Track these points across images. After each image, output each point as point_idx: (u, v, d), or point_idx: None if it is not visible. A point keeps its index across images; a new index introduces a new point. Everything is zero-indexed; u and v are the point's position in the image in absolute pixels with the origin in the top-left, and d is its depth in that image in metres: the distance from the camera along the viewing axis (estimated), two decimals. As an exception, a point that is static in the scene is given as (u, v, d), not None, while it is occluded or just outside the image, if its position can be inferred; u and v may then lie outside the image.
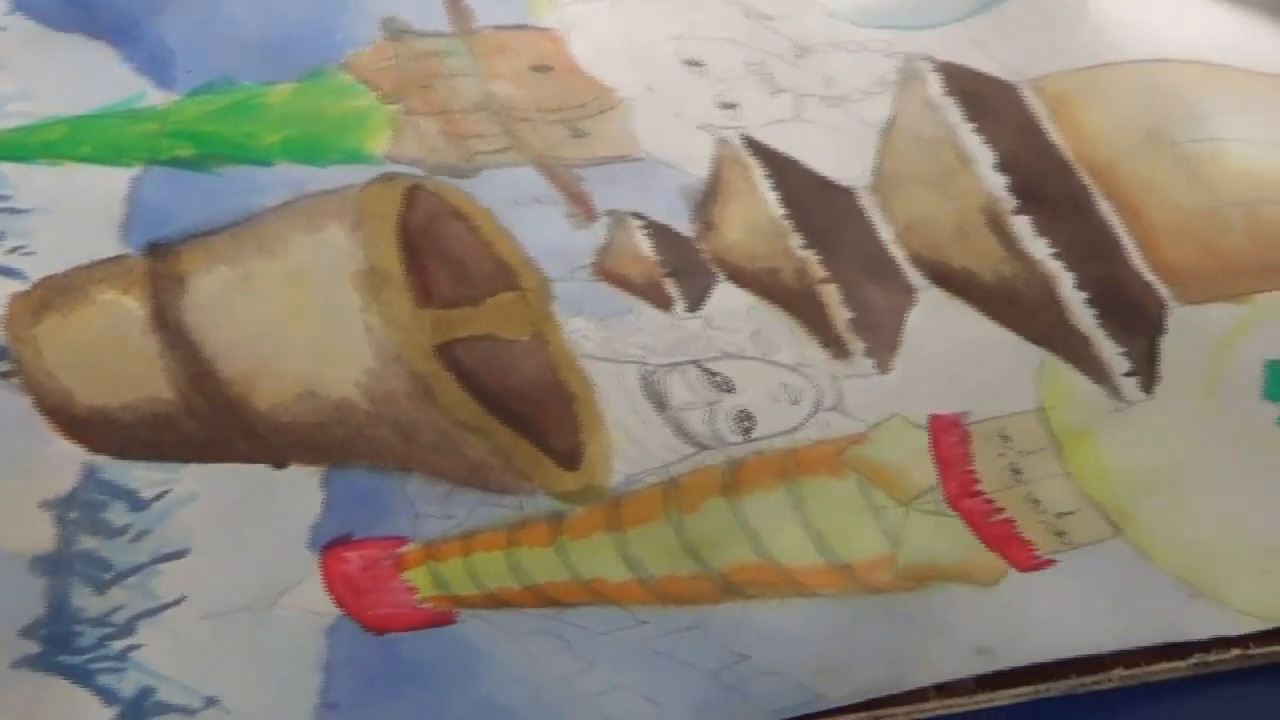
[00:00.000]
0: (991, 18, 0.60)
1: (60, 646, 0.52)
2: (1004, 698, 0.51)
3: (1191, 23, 0.56)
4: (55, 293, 0.55)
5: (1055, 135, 0.56)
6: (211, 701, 0.52)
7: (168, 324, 0.55)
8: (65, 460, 0.53)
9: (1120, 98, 0.55)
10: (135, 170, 0.56)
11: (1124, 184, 0.54)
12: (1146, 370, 0.54)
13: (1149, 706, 0.51)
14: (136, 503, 0.54)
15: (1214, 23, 0.56)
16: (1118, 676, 0.51)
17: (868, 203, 0.57)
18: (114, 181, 0.56)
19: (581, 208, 0.56)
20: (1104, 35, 0.57)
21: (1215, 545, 0.52)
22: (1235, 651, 0.51)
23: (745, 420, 0.55)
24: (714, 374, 0.55)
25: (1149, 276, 0.53)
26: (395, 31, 0.58)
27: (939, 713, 0.51)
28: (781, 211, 0.57)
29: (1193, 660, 0.51)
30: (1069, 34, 0.57)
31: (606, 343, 0.55)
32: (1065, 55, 0.57)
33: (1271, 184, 0.52)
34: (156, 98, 0.58)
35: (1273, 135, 0.52)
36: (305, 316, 0.54)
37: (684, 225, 0.56)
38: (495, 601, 0.53)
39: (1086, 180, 0.55)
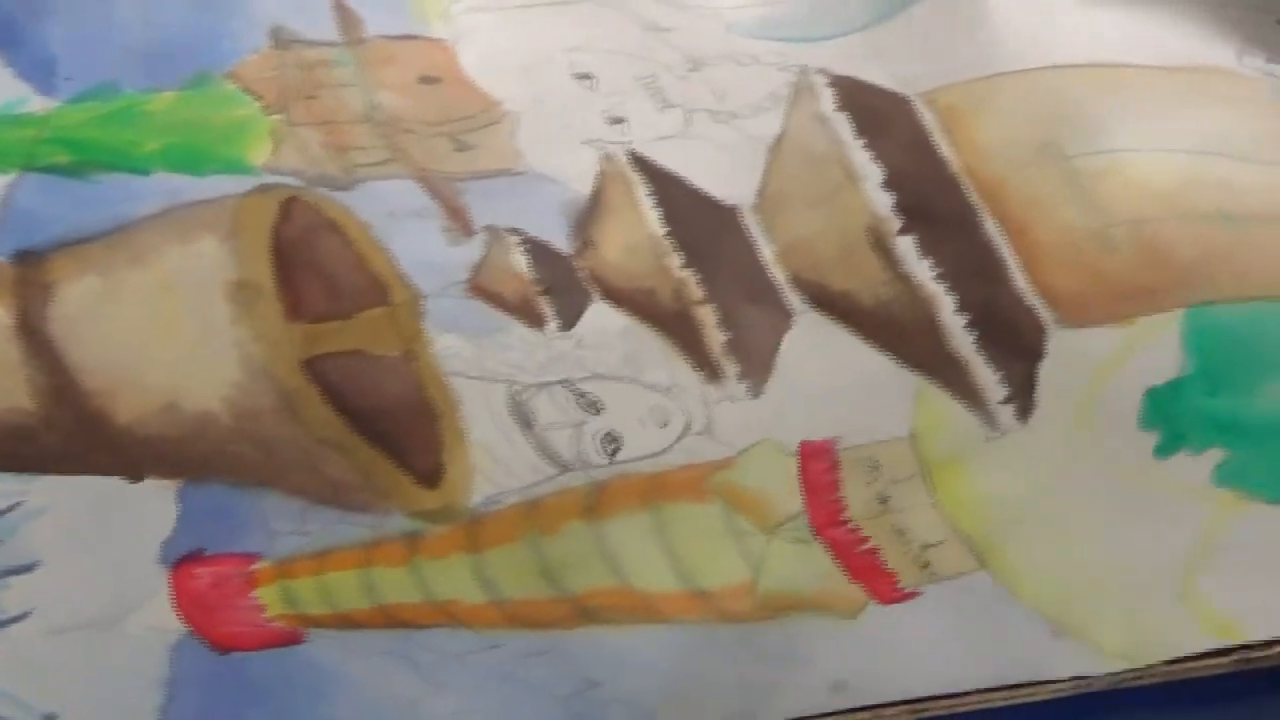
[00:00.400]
0: (891, 28, 0.58)
1: None
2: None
3: (1096, 21, 0.56)
4: None
5: (946, 150, 0.54)
6: (49, 718, 0.52)
7: (32, 333, 0.54)
8: None
9: (1014, 109, 0.53)
10: (9, 177, 0.55)
11: (1012, 201, 0.52)
12: (1023, 397, 0.52)
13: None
14: None
15: (1120, 18, 0.56)
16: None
17: (750, 222, 0.56)
18: None
19: (459, 222, 0.56)
20: (1003, 43, 0.55)
21: (1082, 581, 0.51)
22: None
23: (612, 442, 0.54)
24: (583, 394, 0.54)
25: (1031, 299, 0.52)
26: (283, 40, 0.58)
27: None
28: (662, 230, 0.55)
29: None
30: (969, 43, 0.56)
31: (476, 360, 0.54)
32: (964, 65, 0.55)
33: (1162, 199, 0.51)
34: (37, 104, 0.57)
35: (1169, 141, 0.51)
36: (173, 328, 0.54)
37: (562, 242, 0.55)
38: (346, 621, 0.53)
39: (974, 198, 0.53)
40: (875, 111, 0.56)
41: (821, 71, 0.58)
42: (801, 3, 0.60)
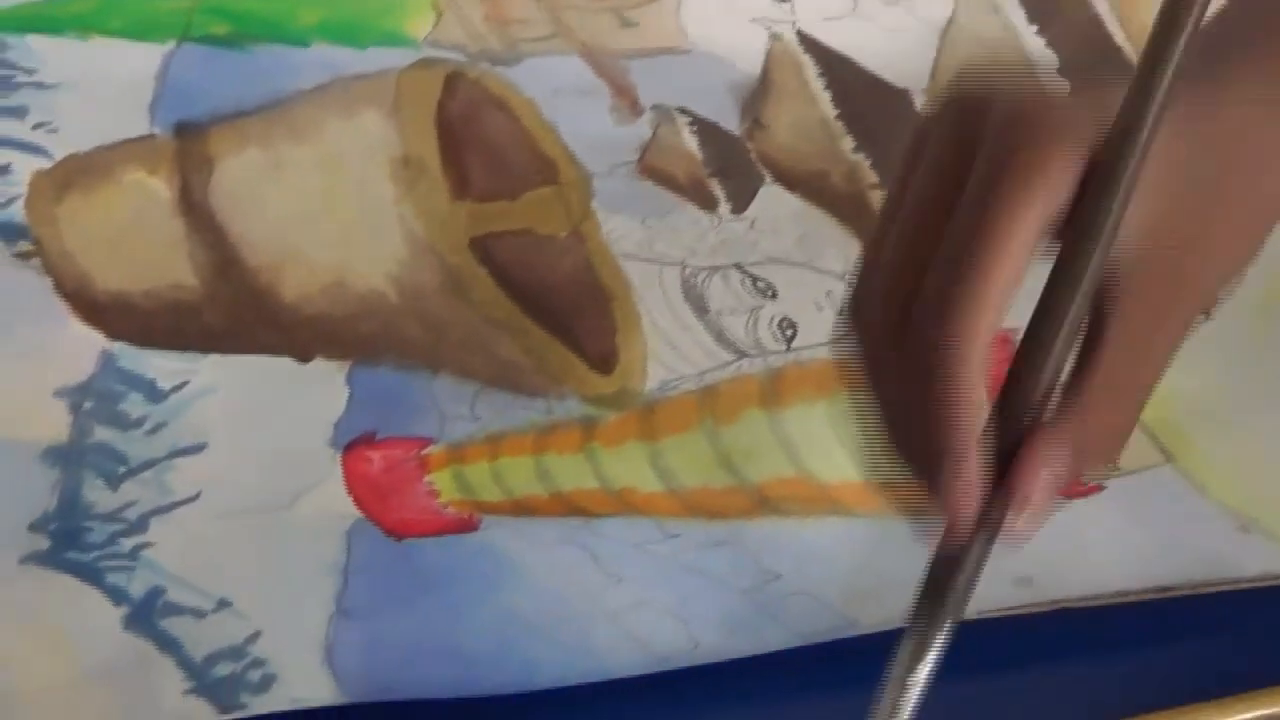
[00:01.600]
0: None
1: (69, 542, 0.51)
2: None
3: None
4: (79, 172, 0.54)
5: (1119, 36, 0.54)
6: (223, 604, 0.51)
7: (194, 207, 0.54)
8: (82, 346, 0.52)
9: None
10: (167, 47, 0.55)
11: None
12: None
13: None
14: (154, 393, 0.53)
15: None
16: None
17: (924, 105, 0.53)
18: (144, 58, 0.55)
19: (626, 101, 0.55)
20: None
21: (1272, 475, 0.50)
22: None
23: (788, 328, 0.54)
24: (757, 279, 0.54)
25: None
26: None
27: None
28: (834, 112, 0.55)
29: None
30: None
31: (647, 242, 0.54)
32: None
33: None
34: None
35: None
36: (337, 205, 0.53)
37: (732, 123, 0.54)
38: (521, 508, 0.52)
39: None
40: (1047, -2, 0.49)
41: (992, -45, 0.50)
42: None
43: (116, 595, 0.50)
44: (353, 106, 0.53)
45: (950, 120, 0.31)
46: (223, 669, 0.49)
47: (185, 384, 0.53)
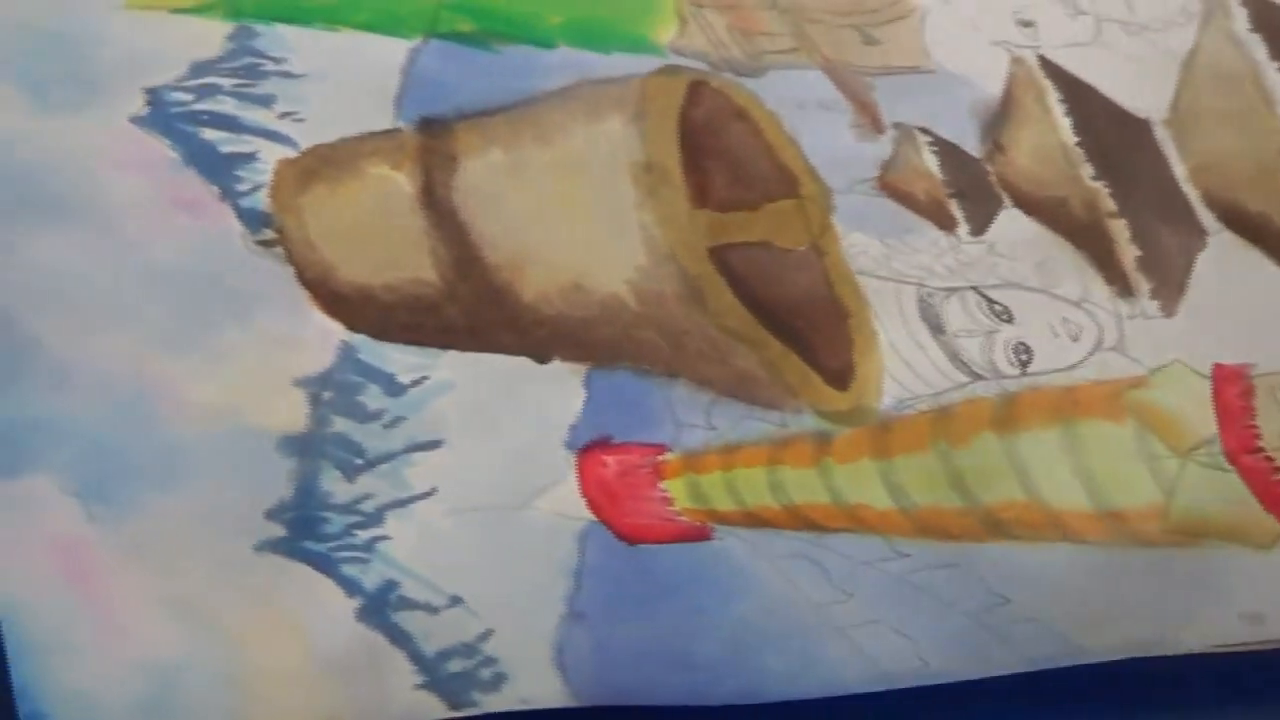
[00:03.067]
0: None
1: (305, 532, 0.53)
2: None
3: None
4: (323, 162, 0.55)
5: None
6: (455, 601, 0.53)
7: (437, 203, 0.55)
8: (323, 337, 0.54)
9: None
10: (413, 42, 0.56)
11: None
12: None
13: None
14: (393, 387, 0.55)
15: None
16: None
17: (1163, 136, 0.56)
18: (391, 52, 0.56)
19: (869, 118, 0.56)
20: None
21: None
22: None
23: (1023, 353, 0.55)
24: (994, 302, 0.55)
25: None
26: None
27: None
28: (1074, 139, 0.56)
29: None
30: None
31: (885, 260, 0.55)
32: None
33: None
34: None
35: None
36: (578, 207, 0.55)
37: (972, 145, 0.56)
38: (754, 520, 0.55)
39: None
40: (1291, 34, 0.52)
41: (1235, -10, 0.53)
42: (1215, -84, 0.56)
43: (350, 586, 0.53)
44: (597, 110, 0.54)
45: None
46: (454, 665, 0.52)
47: (424, 379, 0.54)
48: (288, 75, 0.56)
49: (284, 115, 0.56)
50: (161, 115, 0.55)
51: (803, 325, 0.55)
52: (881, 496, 0.54)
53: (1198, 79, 0.57)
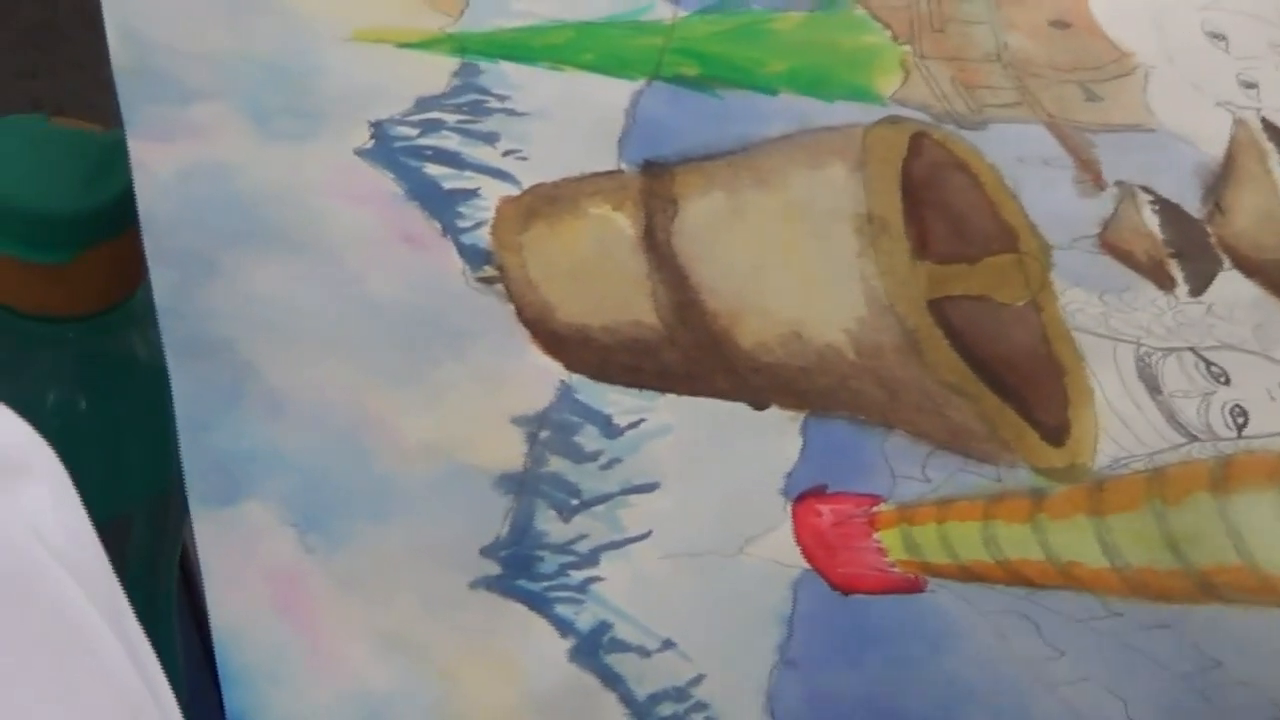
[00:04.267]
0: None
1: (520, 570, 0.57)
2: None
3: None
4: (545, 201, 0.62)
5: None
6: (668, 644, 0.57)
7: (658, 246, 0.61)
8: (541, 376, 0.60)
9: None
10: (637, 84, 0.63)
11: None
12: None
13: None
14: (609, 429, 0.60)
15: None
16: None
17: None
18: (615, 93, 0.62)
19: (1091, 175, 0.63)
20: None
21: None
22: None
23: (1239, 416, 0.61)
24: (1211, 364, 0.62)
25: None
26: None
27: None
28: None
29: None
30: None
31: (1103, 318, 0.62)
32: None
33: None
34: (664, 11, 0.65)
35: None
36: (798, 255, 0.61)
37: (1193, 205, 0.62)
38: (967, 573, 0.59)
39: None
40: None
41: None
42: None
43: (564, 626, 0.56)
44: (819, 158, 0.61)
45: None
46: (666, 709, 0.55)
47: (641, 421, 0.60)
48: (512, 113, 0.63)
49: (507, 153, 0.63)
50: (385, 149, 0.62)
51: (1019, 380, 0.61)
52: (1095, 554, 0.59)
53: None
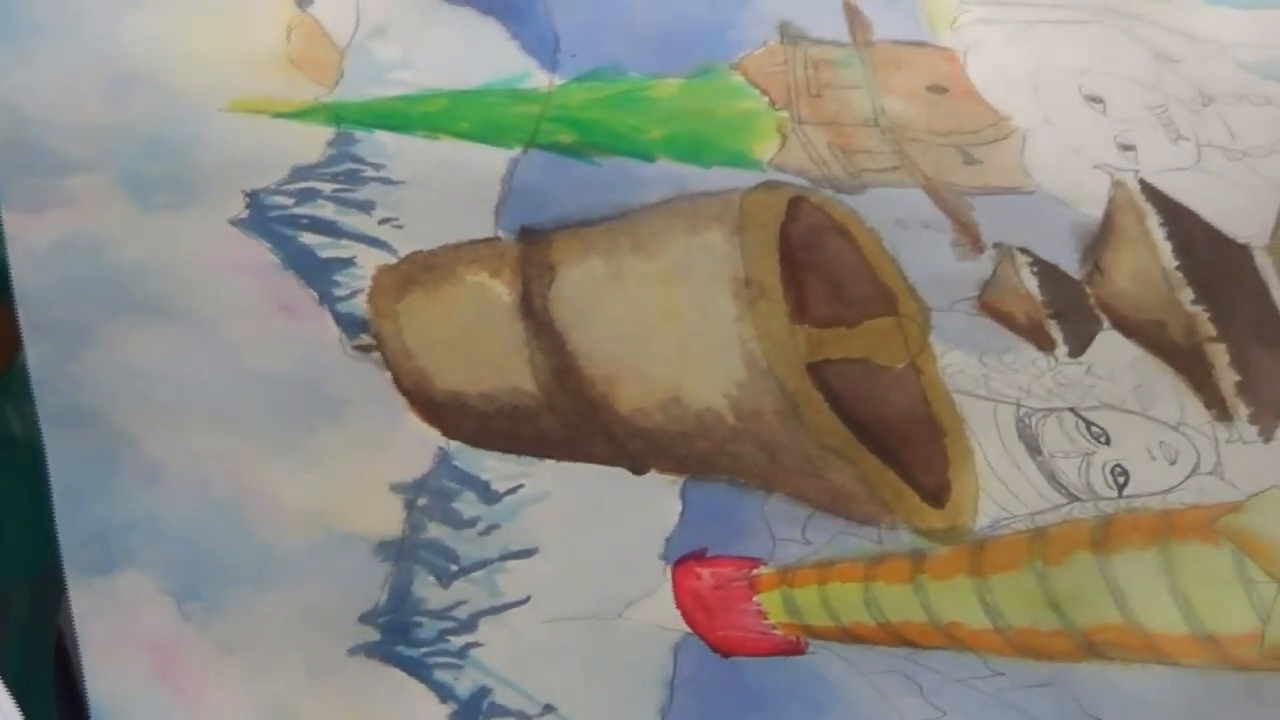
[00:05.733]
0: None
1: (399, 636, 0.63)
2: None
3: None
4: (422, 269, 0.69)
5: None
6: (549, 709, 0.63)
7: (535, 313, 0.68)
8: (419, 443, 0.67)
9: None
10: (514, 152, 0.70)
11: None
12: None
13: None
14: (488, 495, 0.67)
15: None
16: None
17: (1263, 263, 0.69)
18: (492, 161, 0.70)
19: (969, 237, 0.70)
20: None
21: None
22: None
23: (1120, 475, 0.68)
24: (1091, 424, 0.69)
25: None
26: (790, 36, 0.73)
27: None
28: (1174, 263, 0.69)
29: None
30: None
31: (983, 379, 0.69)
32: None
33: None
34: (541, 80, 0.72)
35: None
36: (677, 321, 0.68)
37: (1072, 266, 0.69)
38: (848, 635, 0.66)
39: None
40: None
41: (1337, 118, 0.68)
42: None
43: (444, 692, 0.63)
44: (697, 223, 0.68)
45: None
46: None
47: (519, 487, 0.67)
48: (387, 181, 0.70)
49: (383, 221, 0.70)
50: (261, 218, 0.69)
51: (899, 442, 0.68)
52: (977, 615, 0.65)
53: (1299, 206, 0.68)
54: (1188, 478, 0.68)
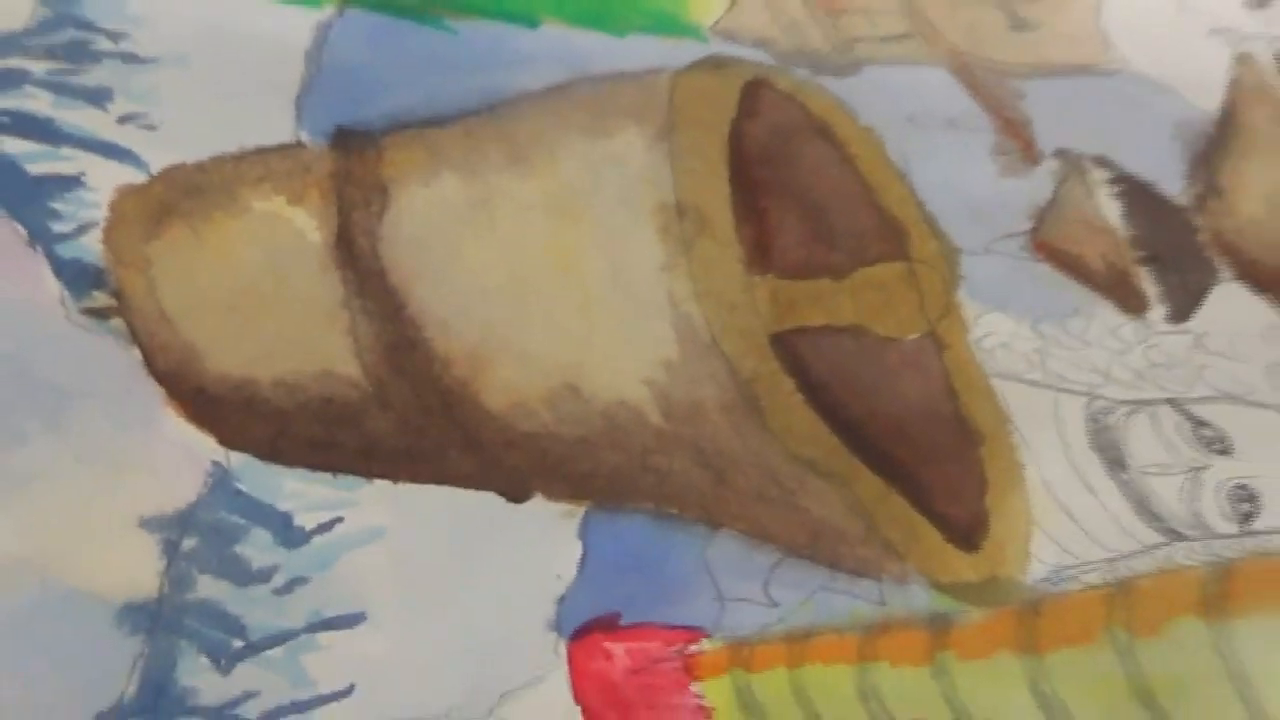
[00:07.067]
0: None
1: None
2: None
3: None
4: (184, 192, 0.71)
5: None
6: None
7: (357, 258, 0.70)
8: (182, 456, 0.69)
9: None
10: (323, 13, 0.70)
11: None
12: None
13: None
14: (289, 534, 0.69)
15: None
16: None
17: None
18: (289, 26, 0.70)
19: (1019, 141, 0.71)
20: None
21: None
22: None
23: (1246, 501, 0.70)
24: (1203, 423, 0.70)
25: None
26: None
27: None
28: None
29: None
30: None
31: (1038, 357, 0.70)
32: None
33: None
34: None
35: None
36: (573, 270, 0.69)
37: (1175, 186, 0.71)
38: None
39: None
40: None
41: None
42: None
43: None
44: (603, 122, 0.69)
45: None
46: None
47: (336, 522, 0.69)
48: (130, 58, 0.71)
49: (125, 119, 0.71)
50: None
51: (912, 453, 0.70)
52: (1028, 709, 0.68)
53: None
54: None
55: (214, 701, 0.67)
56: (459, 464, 0.71)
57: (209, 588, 0.68)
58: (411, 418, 0.71)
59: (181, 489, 0.69)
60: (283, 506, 0.69)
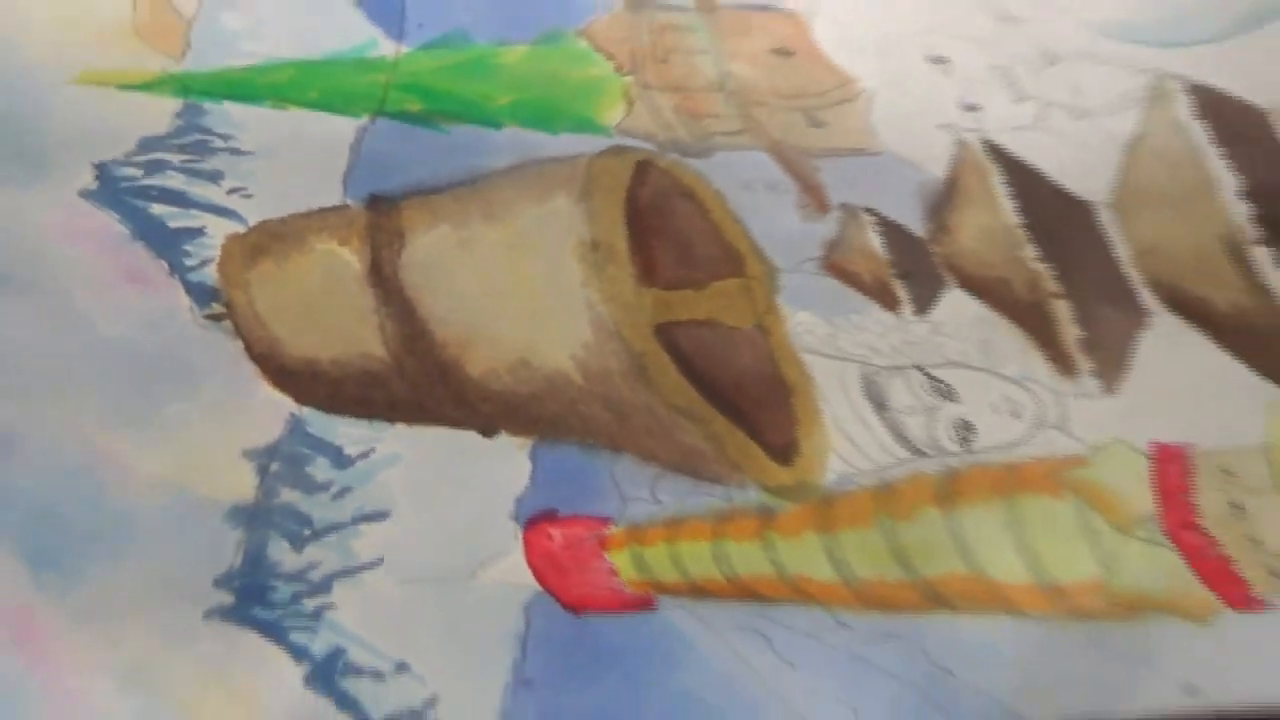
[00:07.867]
0: (1249, 41, 0.77)
1: (254, 600, 0.72)
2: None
3: None
4: (271, 238, 0.77)
5: (1305, 164, 0.67)
6: (403, 667, 0.72)
7: (384, 280, 0.76)
8: (271, 410, 0.76)
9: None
10: (361, 120, 0.77)
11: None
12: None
13: None
14: (340, 459, 0.76)
15: None
16: None
17: (1106, 219, 0.75)
18: (340, 130, 0.77)
19: (815, 199, 0.76)
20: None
21: None
22: None
23: (965, 430, 0.75)
24: (937, 380, 0.75)
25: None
26: (636, 2, 0.78)
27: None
28: (1017, 220, 0.75)
29: None
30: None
31: (830, 339, 0.75)
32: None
33: None
34: (387, 48, 0.78)
35: None
36: (525, 285, 0.75)
37: (917, 226, 0.75)
38: (698, 591, 0.74)
39: (1337, 217, 0.65)
40: (1233, 122, 0.76)
41: (1178, 78, 0.78)
42: (1160, 7, 0.80)
43: (298, 653, 0.71)
44: (544, 189, 0.74)
45: None
46: None
47: (371, 452, 0.76)
48: (236, 152, 0.77)
49: (232, 191, 0.77)
50: (110, 190, 0.77)
51: (747, 402, 0.74)
52: (825, 569, 0.73)
53: (1141, 163, 0.78)
54: (1032, 432, 0.74)
55: (291, 569, 0.74)
56: (450, 413, 0.77)
57: (288, 495, 0.75)
58: (419, 383, 0.77)
59: (270, 431, 0.76)
60: (337, 442, 0.76)
